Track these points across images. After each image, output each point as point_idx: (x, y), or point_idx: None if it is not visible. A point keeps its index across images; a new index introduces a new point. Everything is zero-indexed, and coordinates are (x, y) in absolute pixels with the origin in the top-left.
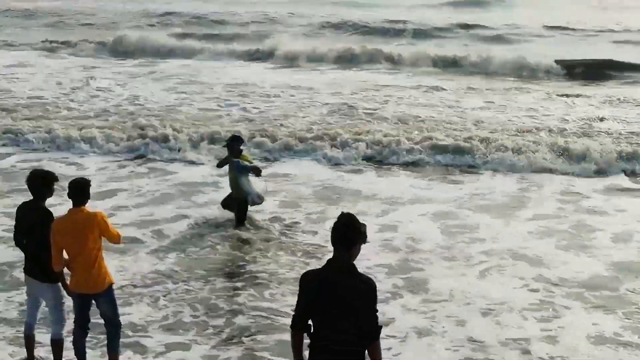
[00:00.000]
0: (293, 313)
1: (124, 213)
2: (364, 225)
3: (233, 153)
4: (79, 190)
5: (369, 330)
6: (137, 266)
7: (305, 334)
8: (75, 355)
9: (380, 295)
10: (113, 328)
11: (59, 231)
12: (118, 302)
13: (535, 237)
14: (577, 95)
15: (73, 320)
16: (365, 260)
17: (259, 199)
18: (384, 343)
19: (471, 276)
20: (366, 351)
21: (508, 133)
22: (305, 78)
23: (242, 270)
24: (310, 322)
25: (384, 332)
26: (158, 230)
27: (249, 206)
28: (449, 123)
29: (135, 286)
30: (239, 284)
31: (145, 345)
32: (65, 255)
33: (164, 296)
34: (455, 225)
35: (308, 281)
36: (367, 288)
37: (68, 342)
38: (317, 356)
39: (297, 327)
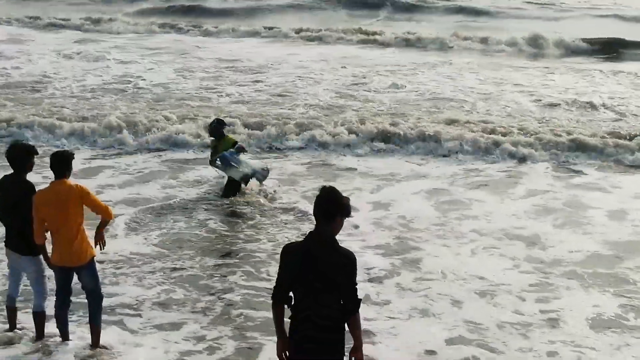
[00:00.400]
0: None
1: (110, 191)
2: (347, 199)
3: (216, 136)
4: (62, 162)
5: (349, 303)
6: (126, 245)
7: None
8: (57, 327)
9: (376, 275)
10: (95, 300)
11: (41, 203)
12: (107, 281)
13: (531, 215)
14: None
15: (55, 292)
16: (360, 241)
17: (265, 171)
18: (382, 324)
19: (466, 255)
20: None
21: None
22: (299, 53)
23: (235, 248)
24: (291, 294)
25: (382, 313)
26: (147, 208)
27: (260, 183)
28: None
29: (124, 265)
30: (231, 262)
31: (135, 323)
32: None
33: (154, 274)
34: (449, 202)
35: (290, 254)
36: (348, 262)
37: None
38: (299, 327)
39: (279, 299)
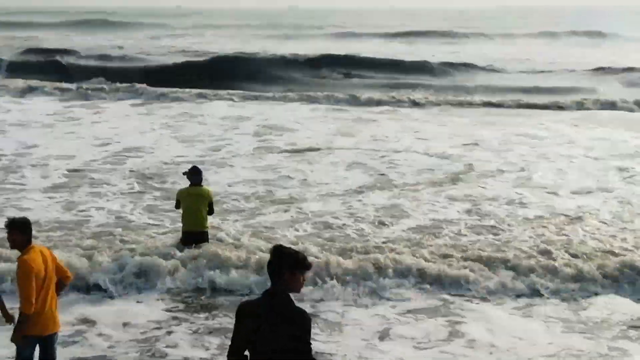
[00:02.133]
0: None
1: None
2: (296, 252)
3: (195, 181)
4: (30, 226)
5: None
6: (143, 312)
7: None
8: None
9: (429, 345)
10: None
11: (34, 269)
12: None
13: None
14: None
15: None
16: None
17: None
18: None
19: (502, 316)
20: None
21: None
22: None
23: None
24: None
25: None
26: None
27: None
28: None
29: (154, 329)
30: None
31: None
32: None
33: (190, 333)
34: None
35: (246, 313)
36: (299, 319)
37: None
38: None
39: (235, 357)
